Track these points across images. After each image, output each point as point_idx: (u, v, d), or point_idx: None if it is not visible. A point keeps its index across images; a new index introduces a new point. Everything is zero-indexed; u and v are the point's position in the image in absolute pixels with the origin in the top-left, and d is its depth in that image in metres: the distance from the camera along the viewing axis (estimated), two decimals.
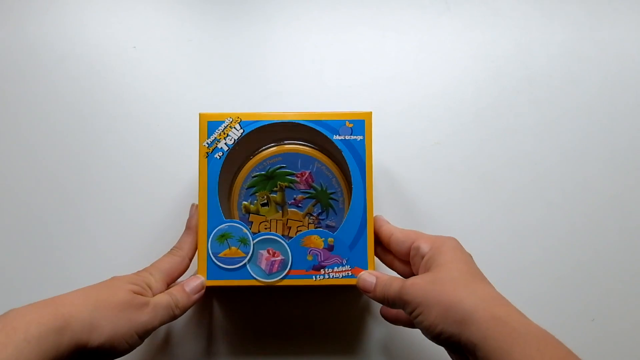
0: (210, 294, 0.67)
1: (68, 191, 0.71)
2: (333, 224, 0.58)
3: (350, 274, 0.55)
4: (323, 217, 0.58)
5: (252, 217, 0.57)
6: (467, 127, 0.73)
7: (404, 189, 0.71)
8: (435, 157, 0.72)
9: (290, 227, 0.57)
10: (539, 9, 0.78)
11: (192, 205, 0.59)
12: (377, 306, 0.65)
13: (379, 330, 0.67)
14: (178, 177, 0.70)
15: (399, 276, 0.55)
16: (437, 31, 0.78)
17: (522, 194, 0.71)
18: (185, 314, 0.62)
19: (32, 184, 0.71)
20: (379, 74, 0.76)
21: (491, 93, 0.75)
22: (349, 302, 0.67)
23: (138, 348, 0.56)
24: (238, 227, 0.54)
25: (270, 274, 0.54)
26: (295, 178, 0.59)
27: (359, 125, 0.57)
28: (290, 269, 0.55)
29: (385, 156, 0.72)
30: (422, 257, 0.52)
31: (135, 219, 0.69)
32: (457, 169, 0.72)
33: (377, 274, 0.54)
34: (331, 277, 0.55)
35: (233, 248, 0.54)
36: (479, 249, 0.67)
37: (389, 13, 0.78)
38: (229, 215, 0.58)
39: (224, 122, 0.57)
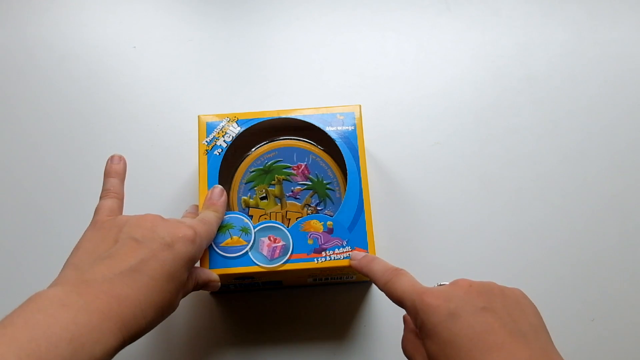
0: (210, 296, 0.71)
1: (68, 190, 0.76)
2: (331, 214, 0.64)
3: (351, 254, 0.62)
4: (321, 208, 0.66)
5: (251, 211, 0.65)
6: (467, 127, 0.79)
7: (404, 189, 0.76)
8: (435, 157, 0.78)
9: (289, 219, 0.65)
10: (539, 9, 0.86)
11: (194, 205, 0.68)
12: (374, 300, 0.71)
13: (374, 318, 0.71)
14: (178, 176, 0.77)
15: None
16: (437, 31, 0.85)
17: (522, 194, 0.76)
18: (184, 314, 0.69)
19: (32, 184, 0.77)
20: (379, 74, 0.83)
21: (491, 93, 0.81)
22: (346, 297, 0.72)
23: (141, 344, 0.62)
24: (239, 217, 0.62)
25: (272, 260, 0.60)
26: (292, 171, 0.67)
27: (350, 117, 0.66)
28: (291, 253, 0.60)
29: (385, 156, 0.78)
30: None
31: None
32: (457, 169, 0.77)
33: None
34: (333, 258, 0.60)
35: (235, 237, 0.61)
36: (478, 249, 0.74)
37: (389, 13, 0.86)
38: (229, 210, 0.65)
39: (221, 121, 0.67)
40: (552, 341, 0.46)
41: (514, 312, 0.46)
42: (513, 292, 0.49)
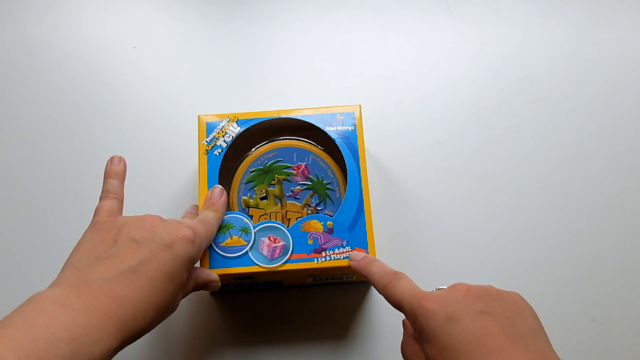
0: (210, 296, 0.72)
1: (68, 191, 0.76)
2: (331, 214, 0.64)
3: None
4: (321, 208, 0.65)
5: (251, 211, 0.65)
6: (467, 127, 0.79)
7: (403, 189, 0.76)
8: (435, 157, 0.78)
9: (289, 219, 0.65)
10: (539, 8, 0.86)
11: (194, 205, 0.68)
12: (374, 300, 0.71)
13: (374, 318, 0.71)
14: (178, 176, 0.77)
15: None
16: (437, 31, 0.85)
17: (522, 194, 0.76)
18: (184, 314, 0.69)
19: (32, 184, 0.77)
20: (379, 74, 0.83)
21: (491, 93, 0.81)
22: (346, 297, 0.71)
23: (141, 344, 0.61)
24: (239, 217, 0.62)
25: (272, 260, 0.60)
26: (292, 171, 0.67)
27: (350, 117, 0.67)
28: (291, 253, 0.60)
29: (385, 156, 0.78)
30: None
31: None
32: (457, 169, 0.77)
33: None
34: (333, 258, 0.60)
35: (235, 237, 0.61)
36: (478, 249, 0.74)
37: (389, 13, 0.86)
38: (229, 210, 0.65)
39: (221, 121, 0.67)
40: (550, 344, 0.46)
41: (512, 316, 0.46)
42: (511, 296, 0.48)
